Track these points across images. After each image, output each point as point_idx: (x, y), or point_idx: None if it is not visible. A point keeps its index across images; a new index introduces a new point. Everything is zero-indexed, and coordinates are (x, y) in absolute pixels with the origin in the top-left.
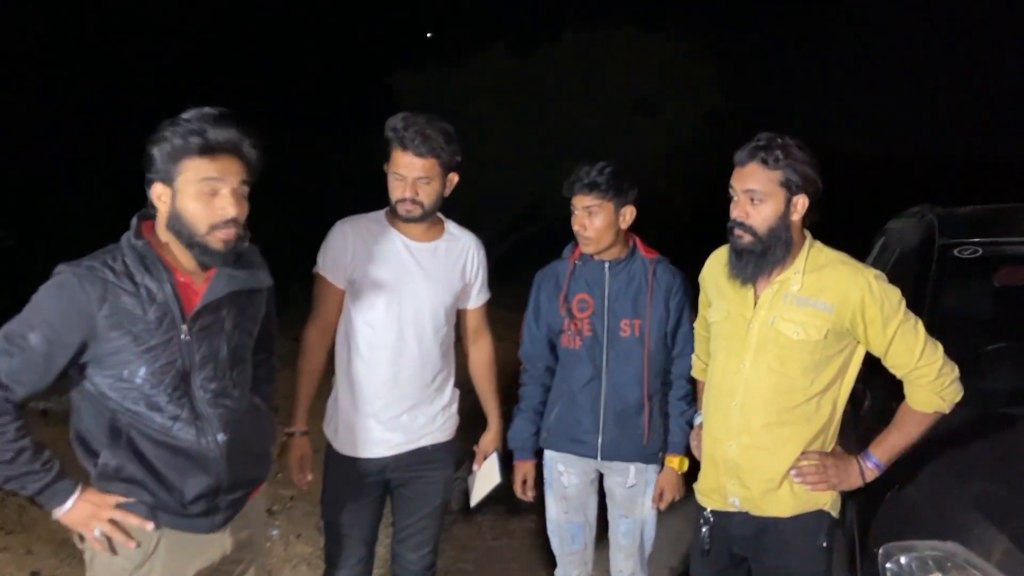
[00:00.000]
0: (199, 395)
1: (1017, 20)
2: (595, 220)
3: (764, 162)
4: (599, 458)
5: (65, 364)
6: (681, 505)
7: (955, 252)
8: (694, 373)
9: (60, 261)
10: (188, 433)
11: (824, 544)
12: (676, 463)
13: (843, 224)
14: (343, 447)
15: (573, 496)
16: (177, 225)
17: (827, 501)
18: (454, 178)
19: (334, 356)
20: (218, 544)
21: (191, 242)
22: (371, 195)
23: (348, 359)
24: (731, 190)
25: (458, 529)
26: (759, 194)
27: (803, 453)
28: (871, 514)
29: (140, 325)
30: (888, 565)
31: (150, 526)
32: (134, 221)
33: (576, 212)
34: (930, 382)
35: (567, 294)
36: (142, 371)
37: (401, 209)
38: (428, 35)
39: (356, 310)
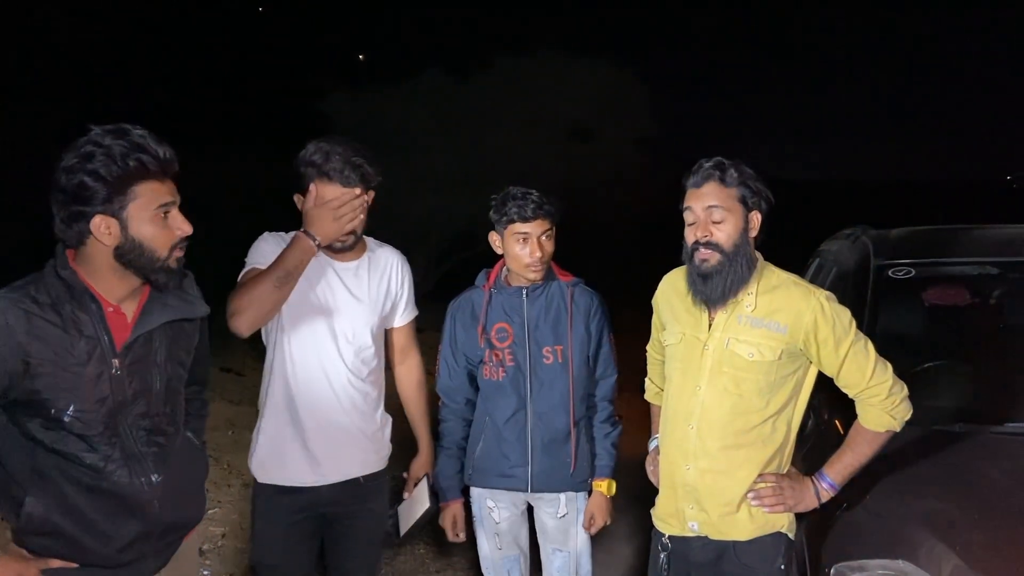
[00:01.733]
0: (131, 433)
1: (947, 50)
2: (549, 245)
3: (721, 180)
4: (529, 490)
5: None
6: (632, 535)
7: (889, 273)
8: (648, 397)
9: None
10: (120, 475)
11: (782, 566)
12: (604, 487)
13: (776, 248)
14: (270, 476)
15: (505, 530)
16: (133, 254)
17: (784, 523)
18: (371, 195)
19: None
20: None
21: (152, 268)
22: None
23: (273, 383)
24: (687, 213)
25: (400, 562)
26: (721, 210)
27: (760, 475)
28: (821, 534)
29: (68, 360)
30: None
31: None
32: (59, 249)
33: (529, 239)
34: (881, 401)
35: (485, 324)
36: (71, 409)
37: (337, 243)
38: (360, 57)
39: (279, 333)
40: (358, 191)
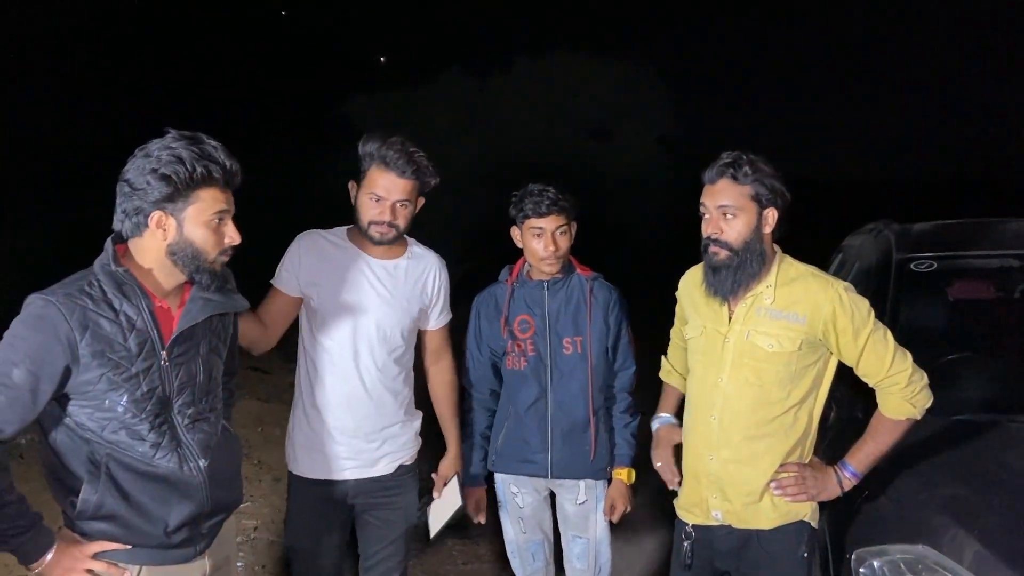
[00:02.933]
0: (179, 421)
1: (966, 45)
2: (564, 240)
3: (734, 178)
4: (549, 476)
5: (51, 394)
6: (654, 525)
7: (912, 266)
8: (661, 374)
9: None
10: (171, 461)
11: (805, 554)
12: (624, 475)
13: (798, 246)
14: (303, 469)
15: (529, 515)
16: (183, 253)
17: (807, 512)
18: (422, 201)
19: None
20: (199, 568)
21: (198, 268)
22: (326, 221)
23: (307, 379)
24: (702, 208)
25: (429, 556)
26: (732, 208)
27: (782, 465)
28: (843, 521)
29: (121, 353)
30: (861, 570)
31: (127, 575)
32: (109, 245)
33: (543, 234)
34: (901, 389)
35: (508, 316)
36: (124, 399)
37: (375, 232)
38: (381, 59)
39: (314, 329)
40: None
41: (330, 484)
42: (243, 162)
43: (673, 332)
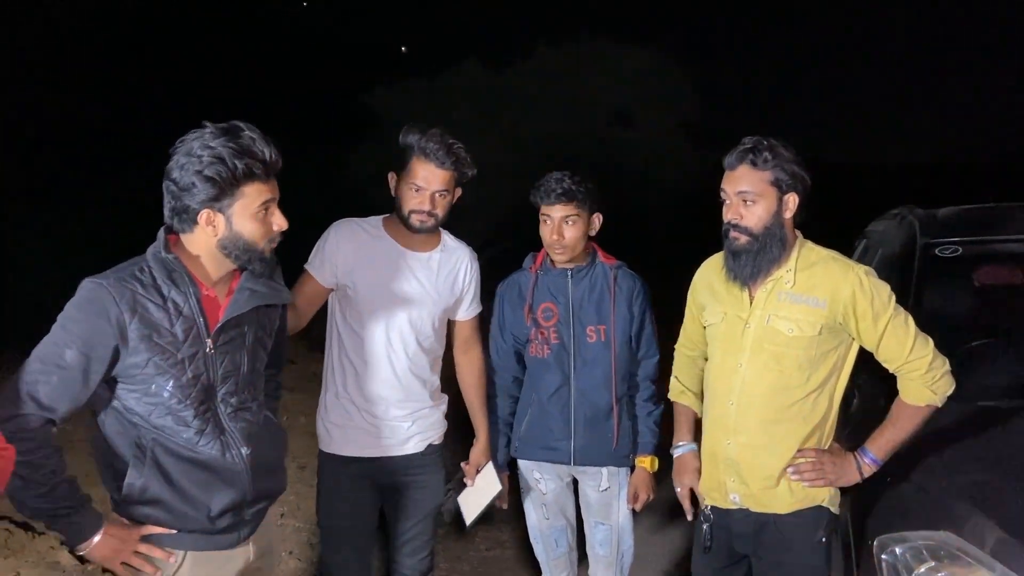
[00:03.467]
0: (222, 410)
1: (990, 30)
2: (572, 229)
3: (753, 164)
4: (572, 463)
5: (102, 375)
6: (677, 513)
7: (936, 251)
8: (672, 395)
9: (21, 288)
10: (214, 448)
11: (823, 539)
12: (647, 463)
13: (823, 233)
14: (336, 447)
15: (552, 501)
16: (233, 246)
17: (825, 497)
18: (458, 192)
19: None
20: (243, 554)
21: (250, 258)
22: (351, 208)
23: (338, 361)
24: (722, 194)
25: (451, 541)
26: (751, 195)
27: (800, 450)
28: (865, 507)
29: (167, 338)
30: (883, 556)
31: (173, 559)
32: (161, 233)
33: (550, 221)
34: (921, 375)
35: (532, 304)
36: (169, 385)
37: (415, 220)
38: (403, 49)
39: (348, 317)
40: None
41: (363, 462)
42: None
43: (679, 346)
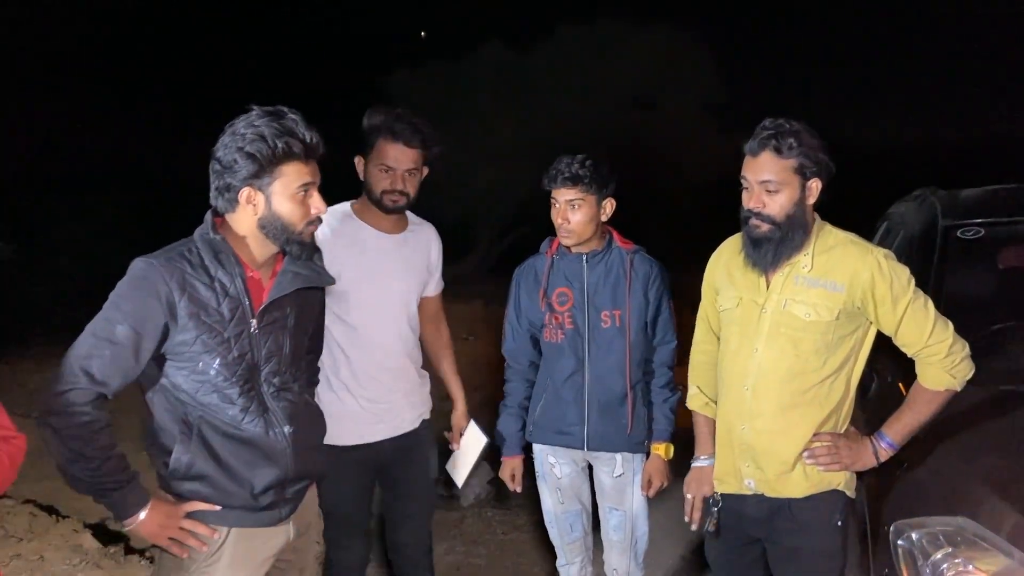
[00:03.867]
0: (265, 389)
1: (1019, 5)
2: (577, 214)
3: (777, 151)
4: (585, 448)
5: (152, 352)
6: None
7: (958, 234)
8: (692, 405)
9: (58, 272)
10: (257, 425)
11: (839, 523)
12: (662, 450)
13: (846, 214)
14: (335, 439)
15: (567, 486)
16: (272, 226)
17: (840, 481)
18: (426, 171)
19: None
20: (284, 532)
21: (288, 240)
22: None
23: (330, 357)
24: (743, 180)
25: (469, 525)
26: (774, 183)
27: (815, 435)
28: (882, 493)
29: (215, 317)
30: (899, 542)
31: (217, 535)
32: (208, 216)
33: (558, 205)
34: (940, 360)
35: (547, 289)
36: (216, 363)
37: (388, 200)
38: (422, 34)
39: (333, 305)
40: None
41: (363, 448)
42: None
43: (694, 350)
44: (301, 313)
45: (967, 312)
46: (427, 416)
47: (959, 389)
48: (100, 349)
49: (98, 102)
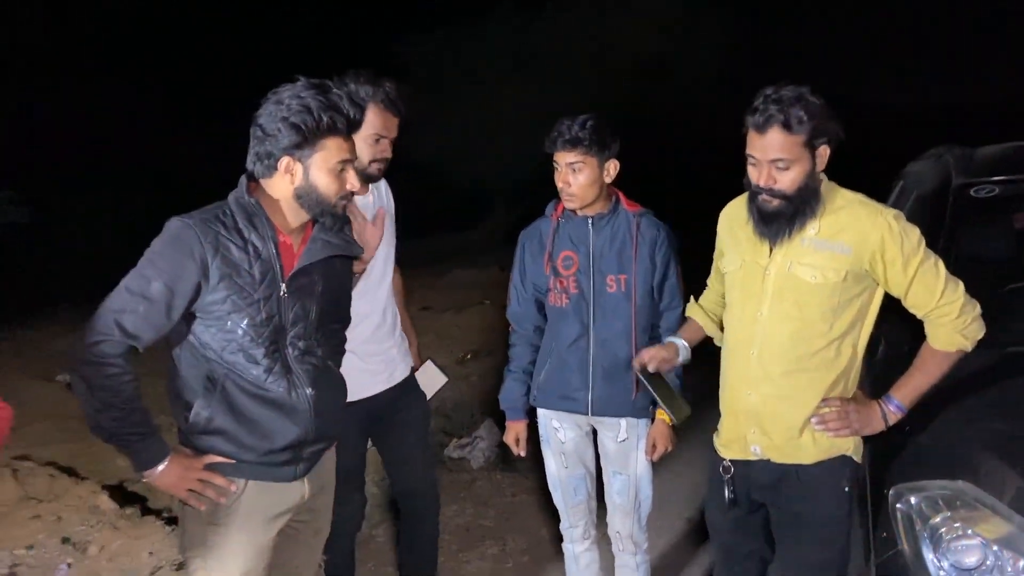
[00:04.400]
0: (289, 352)
1: None
2: (579, 176)
3: (786, 127)
4: (589, 414)
5: (184, 309)
6: (698, 461)
7: (971, 192)
8: (688, 311)
9: (74, 238)
10: (280, 386)
11: (847, 488)
12: (667, 416)
13: (863, 177)
14: None
15: (571, 450)
16: (308, 196)
17: (849, 447)
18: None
19: None
20: (298, 490)
21: (322, 211)
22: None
23: None
24: (750, 157)
25: (479, 487)
26: (785, 162)
27: (824, 400)
28: (884, 456)
29: (245, 278)
30: (898, 506)
31: (234, 487)
32: (243, 181)
33: (559, 168)
34: (951, 320)
35: (552, 252)
36: (244, 323)
37: (374, 168)
38: None
39: None
40: None
41: (365, 402)
42: None
43: (711, 280)
44: (328, 281)
45: (980, 272)
46: (413, 364)
47: (970, 349)
48: (134, 304)
49: (118, 78)
